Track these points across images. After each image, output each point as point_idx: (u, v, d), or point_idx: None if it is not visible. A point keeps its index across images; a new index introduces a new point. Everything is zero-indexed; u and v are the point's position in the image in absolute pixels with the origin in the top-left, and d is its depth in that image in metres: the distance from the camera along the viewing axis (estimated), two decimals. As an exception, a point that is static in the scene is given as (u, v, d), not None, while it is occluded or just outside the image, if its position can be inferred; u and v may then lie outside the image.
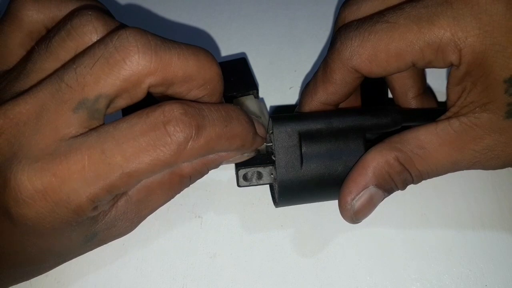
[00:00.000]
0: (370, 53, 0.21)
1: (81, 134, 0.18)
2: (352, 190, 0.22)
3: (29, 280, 0.24)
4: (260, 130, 0.23)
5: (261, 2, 0.38)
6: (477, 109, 0.21)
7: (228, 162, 0.23)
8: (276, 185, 0.23)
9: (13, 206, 0.17)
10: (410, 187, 0.27)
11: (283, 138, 0.22)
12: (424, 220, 0.26)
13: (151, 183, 0.21)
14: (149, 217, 0.26)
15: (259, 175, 0.24)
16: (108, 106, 0.19)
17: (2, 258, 0.20)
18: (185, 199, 0.27)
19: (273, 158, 0.23)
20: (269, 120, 0.24)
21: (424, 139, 0.22)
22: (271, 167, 0.23)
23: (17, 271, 0.22)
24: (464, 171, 0.27)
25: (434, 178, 0.27)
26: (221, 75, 0.21)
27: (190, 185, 0.27)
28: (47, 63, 0.19)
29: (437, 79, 0.31)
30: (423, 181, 0.27)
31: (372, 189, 0.22)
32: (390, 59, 0.21)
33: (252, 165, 0.23)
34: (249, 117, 0.22)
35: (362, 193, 0.22)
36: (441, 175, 0.23)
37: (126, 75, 0.18)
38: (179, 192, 0.23)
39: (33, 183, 0.17)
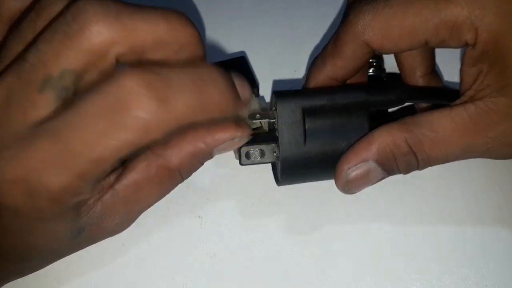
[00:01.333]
0: (383, 28, 0.21)
1: (49, 117, 0.17)
2: (350, 160, 0.22)
3: (29, 280, 0.24)
4: (244, 92, 0.20)
5: (261, 2, 0.38)
6: (494, 93, 0.20)
7: (220, 151, 0.22)
8: (279, 163, 0.23)
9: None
10: (411, 187, 0.27)
11: (287, 114, 0.22)
12: (424, 220, 0.26)
13: (137, 178, 0.21)
14: (149, 217, 0.26)
15: (262, 153, 0.23)
16: (76, 82, 0.17)
17: None
18: (185, 199, 0.27)
19: (276, 134, 0.23)
20: (272, 95, 0.23)
21: (438, 122, 0.21)
22: (273, 144, 0.23)
23: (5, 268, 0.22)
24: (465, 171, 0.27)
25: (434, 178, 0.27)
26: (200, 37, 0.19)
27: (190, 185, 0.28)
28: (20, 46, 0.18)
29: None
30: (423, 182, 0.27)
31: (371, 164, 0.22)
32: (403, 35, 0.21)
33: (254, 142, 0.23)
34: (229, 79, 0.19)
35: (360, 165, 0.22)
36: (450, 162, 0.22)
37: (87, 47, 0.17)
38: (171, 188, 0.23)
39: (4, 173, 0.17)
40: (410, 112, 0.26)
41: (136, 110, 0.16)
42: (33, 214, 0.18)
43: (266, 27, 0.36)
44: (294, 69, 0.33)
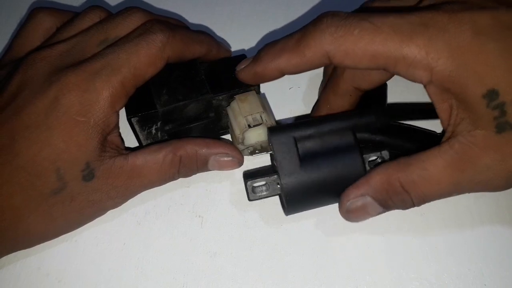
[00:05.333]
0: (349, 47, 0.22)
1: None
2: (350, 194, 0.24)
3: (30, 280, 0.24)
4: (223, 44, 0.30)
5: (261, 2, 0.38)
6: (470, 126, 0.21)
7: (215, 165, 0.26)
8: (282, 186, 0.24)
9: (59, 93, 0.23)
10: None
11: (280, 144, 0.24)
12: (424, 220, 0.26)
13: (147, 155, 0.25)
14: (150, 216, 0.27)
15: (267, 187, 0.25)
16: None
17: None
18: (186, 199, 0.27)
19: (275, 163, 0.24)
20: (267, 134, 0.25)
21: (428, 161, 0.22)
22: (275, 176, 0.25)
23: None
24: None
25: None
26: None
27: (190, 185, 0.28)
28: (84, 25, 0.27)
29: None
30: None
31: (367, 199, 0.23)
32: (365, 57, 0.22)
33: (258, 177, 0.25)
34: (209, 34, 0.29)
35: (358, 199, 0.24)
36: (445, 197, 0.23)
37: (133, 24, 0.26)
38: (167, 177, 0.26)
39: (69, 79, 0.23)
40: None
41: (158, 31, 0.25)
42: (80, 114, 0.23)
43: (266, 27, 0.36)
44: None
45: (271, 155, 0.27)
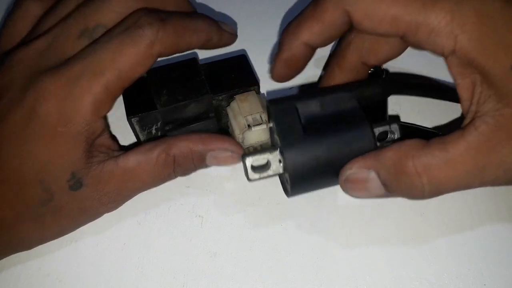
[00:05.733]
0: (369, 6, 0.21)
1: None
2: (355, 163, 0.22)
3: (30, 280, 0.24)
4: (226, 27, 0.26)
5: (261, 2, 0.38)
6: (498, 104, 0.19)
7: (213, 161, 0.25)
8: (285, 160, 0.22)
9: (36, 103, 0.21)
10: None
11: (282, 116, 0.22)
12: (424, 220, 0.26)
13: (139, 156, 0.24)
14: (150, 216, 0.27)
15: (268, 164, 0.22)
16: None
17: None
18: (186, 198, 0.27)
19: (276, 136, 0.23)
20: (267, 105, 0.23)
21: (450, 144, 0.20)
22: (277, 151, 0.22)
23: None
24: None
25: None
26: (195, 10, 0.26)
27: (190, 185, 0.28)
28: (60, 14, 0.25)
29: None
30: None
31: (371, 174, 0.22)
32: (385, 20, 0.21)
33: (258, 153, 0.23)
34: (210, 17, 0.25)
35: (362, 170, 0.22)
36: (462, 189, 0.20)
37: (117, 7, 0.23)
38: (163, 178, 0.25)
39: (45, 85, 0.21)
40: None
41: (146, 25, 0.22)
42: (59, 124, 0.21)
43: (266, 27, 0.36)
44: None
45: (271, 129, 0.25)
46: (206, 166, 0.25)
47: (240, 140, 0.26)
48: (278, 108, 0.23)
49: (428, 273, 0.24)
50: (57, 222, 0.23)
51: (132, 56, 0.22)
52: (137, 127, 0.26)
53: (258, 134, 0.26)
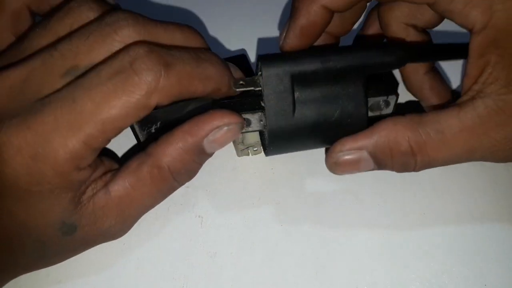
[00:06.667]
0: None
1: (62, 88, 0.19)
2: (346, 144, 0.21)
3: (30, 280, 0.24)
4: (237, 75, 0.22)
5: (261, 2, 0.38)
6: (503, 89, 0.19)
7: (213, 146, 0.22)
8: (266, 133, 0.21)
9: (1, 161, 0.18)
10: (411, 186, 0.27)
11: (274, 82, 0.20)
12: (424, 220, 0.26)
13: (129, 178, 0.21)
14: (149, 216, 0.27)
15: (248, 122, 0.21)
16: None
17: None
18: (186, 199, 0.27)
19: (262, 104, 0.21)
20: (257, 60, 0.21)
21: (445, 122, 0.20)
22: (260, 113, 0.21)
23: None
24: (465, 169, 0.27)
25: (434, 179, 0.27)
26: (207, 45, 0.22)
27: (190, 185, 0.28)
28: (44, 40, 0.20)
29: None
30: (423, 182, 0.27)
31: (364, 155, 0.21)
32: None
33: (240, 111, 0.21)
34: (222, 60, 0.21)
35: (354, 151, 0.21)
36: (450, 164, 0.21)
37: (117, 46, 0.19)
38: (166, 190, 0.23)
39: (11, 137, 0.17)
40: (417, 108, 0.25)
41: (144, 71, 0.18)
42: (32, 185, 0.18)
43: (266, 27, 0.36)
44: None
45: (256, 91, 0.22)
46: (210, 154, 0.22)
47: (240, 140, 0.26)
48: (270, 70, 0.20)
49: (428, 273, 0.24)
50: (58, 257, 0.23)
51: (122, 108, 0.18)
52: (136, 127, 0.26)
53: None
